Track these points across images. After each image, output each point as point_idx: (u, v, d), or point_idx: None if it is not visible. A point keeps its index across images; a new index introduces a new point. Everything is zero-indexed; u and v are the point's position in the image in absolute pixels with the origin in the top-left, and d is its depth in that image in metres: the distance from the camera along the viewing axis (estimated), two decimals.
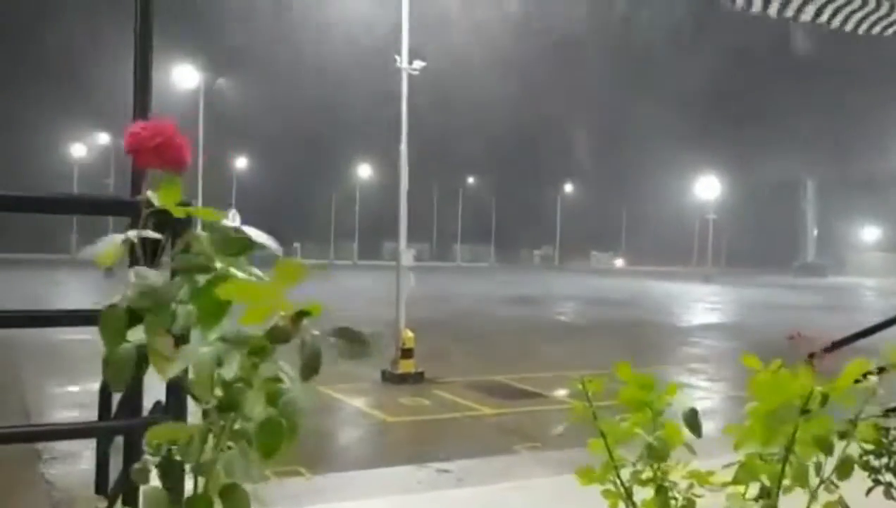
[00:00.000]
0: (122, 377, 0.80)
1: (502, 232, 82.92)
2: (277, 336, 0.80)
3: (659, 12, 68.21)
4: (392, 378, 11.23)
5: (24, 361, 11.45)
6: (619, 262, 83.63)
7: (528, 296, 32.84)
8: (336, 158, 71.16)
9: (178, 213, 0.89)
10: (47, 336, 12.33)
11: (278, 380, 0.81)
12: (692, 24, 70.28)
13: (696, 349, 17.34)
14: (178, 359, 0.75)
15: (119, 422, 2.14)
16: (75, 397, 9.35)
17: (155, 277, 0.82)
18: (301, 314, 0.80)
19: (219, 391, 0.76)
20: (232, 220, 0.90)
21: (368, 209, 68.80)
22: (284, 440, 0.78)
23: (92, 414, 2.25)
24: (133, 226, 2.00)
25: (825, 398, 0.98)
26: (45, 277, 32.42)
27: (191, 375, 0.75)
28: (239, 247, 0.87)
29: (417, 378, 11.38)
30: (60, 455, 6.53)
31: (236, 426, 0.78)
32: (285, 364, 0.84)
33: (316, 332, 0.83)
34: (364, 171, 73.59)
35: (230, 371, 0.76)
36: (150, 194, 0.91)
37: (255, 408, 0.77)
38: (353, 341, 0.84)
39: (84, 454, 6.11)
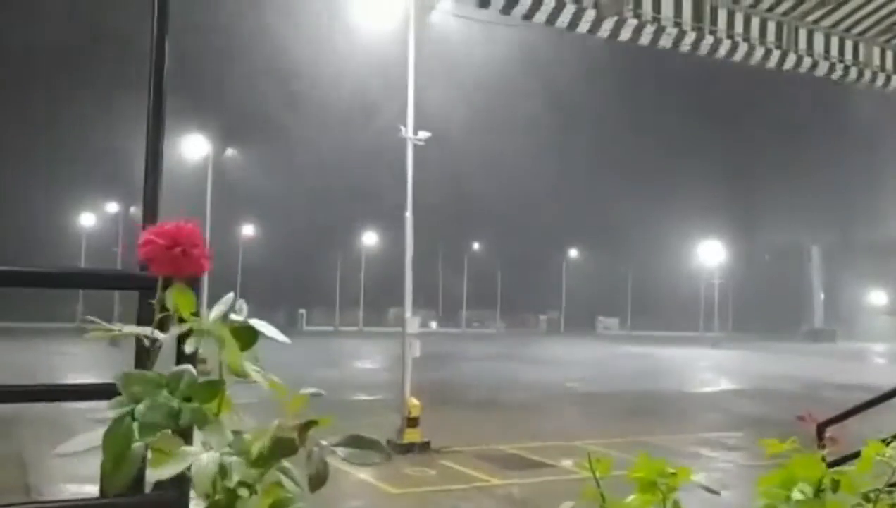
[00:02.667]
0: (122, 485, 0.73)
1: (508, 297, 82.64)
2: (283, 449, 0.76)
3: (661, 82, 69.63)
4: (397, 448, 11.04)
5: (22, 430, 11.31)
6: (615, 324, 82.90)
7: (538, 364, 32.52)
8: (342, 224, 71.69)
9: (192, 322, 0.82)
10: (45, 406, 12.18)
11: (282, 487, 0.77)
12: (697, 94, 71.66)
13: (714, 419, 17.07)
14: (177, 461, 0.71)
15: (121, 499, 2.10)
16: (77, 468, 9.18)
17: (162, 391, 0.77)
18: (308, 425, 0.78)
19: (220, 495, 0.72)
20: (238, 312, 0.87)
21: (374, 275, 68.88)
22: None
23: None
24: (143, 299, 2.01)
25: (836, 483, 0.96)
26: (55, 345, 32.20)
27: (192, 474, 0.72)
28: (246, 341, 0.84)
29: (423, 448, 11.19)
30: None
31: None
32: (291, 469, 0.81)
33: (324, 442, 0.80)
34: (369, 237, 73.98)
35: (231, 480, 0.72)
36: (165, 300, 0.84)
37: None
38: (363, 447, 0.82)
39: None
